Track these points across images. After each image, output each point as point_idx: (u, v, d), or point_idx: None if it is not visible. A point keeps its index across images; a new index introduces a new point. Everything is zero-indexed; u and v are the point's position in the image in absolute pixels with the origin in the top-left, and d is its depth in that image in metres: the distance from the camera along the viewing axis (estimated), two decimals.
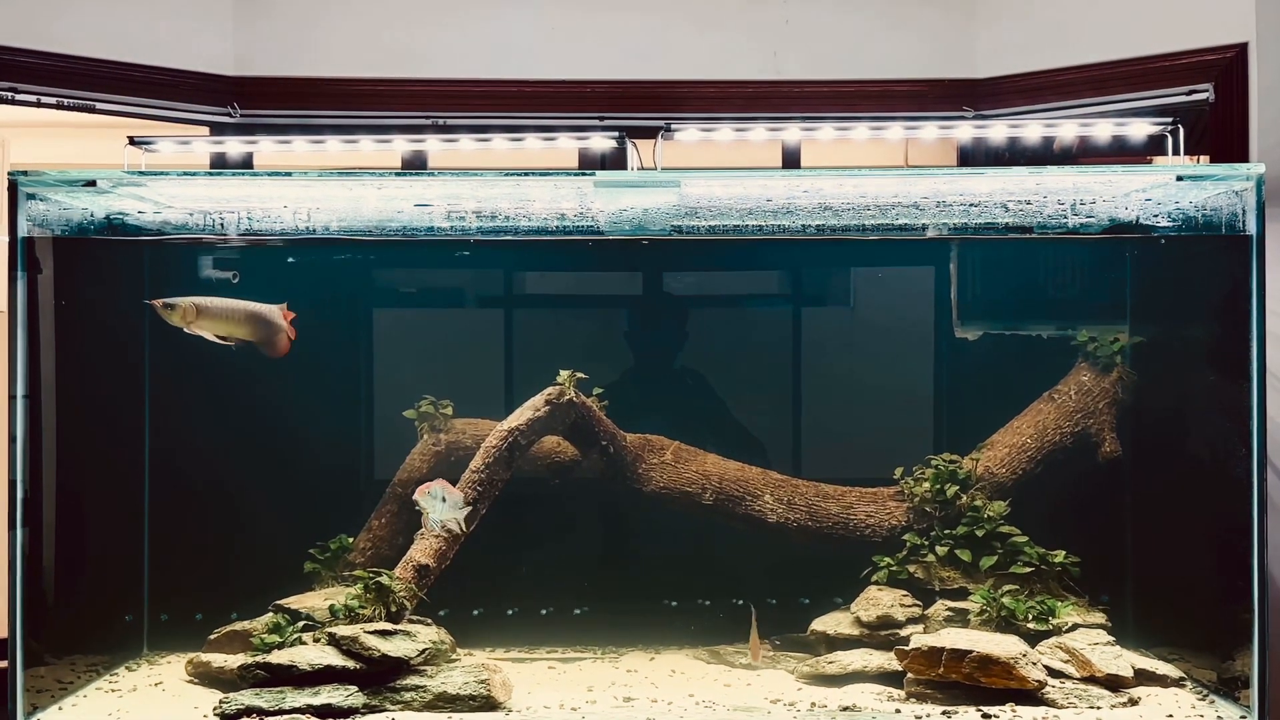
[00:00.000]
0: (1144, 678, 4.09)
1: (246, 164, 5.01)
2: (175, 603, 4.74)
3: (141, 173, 4.15)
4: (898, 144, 5.96)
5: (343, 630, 4.01)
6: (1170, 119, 4.31)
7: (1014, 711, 3.86)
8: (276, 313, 4.52)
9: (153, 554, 4.77)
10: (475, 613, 4.75)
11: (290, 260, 4.77)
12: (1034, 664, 3.97)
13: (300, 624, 4.24)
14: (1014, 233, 4.54)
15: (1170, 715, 3.88)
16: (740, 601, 4.65)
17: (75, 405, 4.33)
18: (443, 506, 4.29)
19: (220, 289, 4.62)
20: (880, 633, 4.34)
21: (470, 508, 4.36)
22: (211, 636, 4.42)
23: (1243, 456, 3.89)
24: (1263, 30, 4.55)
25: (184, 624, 4.67)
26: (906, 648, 4.07)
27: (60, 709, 4.04)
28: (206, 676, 4.25)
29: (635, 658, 4.67)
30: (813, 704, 4.02)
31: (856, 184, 4.27)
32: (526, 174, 4.10)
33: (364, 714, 3.83)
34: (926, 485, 4.64)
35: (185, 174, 4.27)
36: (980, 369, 4.90)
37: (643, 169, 4.58)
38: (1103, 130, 4.46)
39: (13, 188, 3.96)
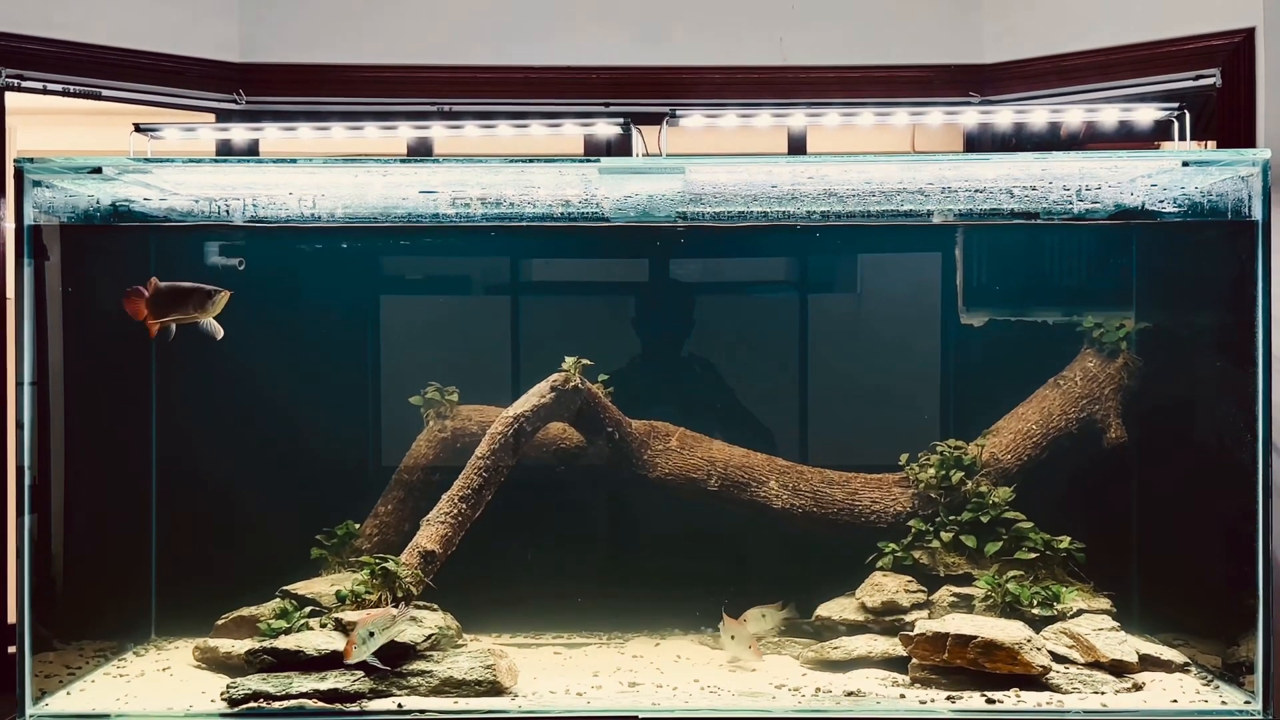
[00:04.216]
0: (1149, 663, 4.09)
1: (252, 151, 5.02)
2: (181, 589, 4.76)
3: (147, 159, 4.15)
4: (904, 130, 5.95)
5: (349, 615, 4.03)
6: (1177, 104, 4.29)
7: (1018, 697, 3.87)
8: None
9: (159, 541, 4.79)
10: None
11: (297, 247, 4.77)
12: (1038, 649, 3.98)
13: (307, 609, 4.26)
14: (1019, 219, 4.53)
15: (1174, 700, 3.89)
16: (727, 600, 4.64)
17: (82, 392, 4.35)
18: (376, 639, 3.86)
19: (226, 275, 4.63)
20: (885, 618, 4.35)
21: (399, 606, 4.06)
22: (219, 622, 4.44)
23: (1248, 442, 3.90)
24: (1270, 15, 4.53)
25: (191, 609, 4.69)
26: (911, 633, 4.08)
27: (68, 694, 4.06)
28: (214, 662, 4.27)
29: (640, 643, 4.68)
30: (817, 689, 4.02)
31: (862, 170, 4.26)
32: (531, 160, 4.10)
33: (370, 699, 3.85)
34: (932, 471, 4.64)
35: (191, 161, 4.27)
36: (985, 355, 4.90)
37: (648, 155, 4.57)
38: (1109, 116, 4.45)
39: (19, 175, 3.97)
